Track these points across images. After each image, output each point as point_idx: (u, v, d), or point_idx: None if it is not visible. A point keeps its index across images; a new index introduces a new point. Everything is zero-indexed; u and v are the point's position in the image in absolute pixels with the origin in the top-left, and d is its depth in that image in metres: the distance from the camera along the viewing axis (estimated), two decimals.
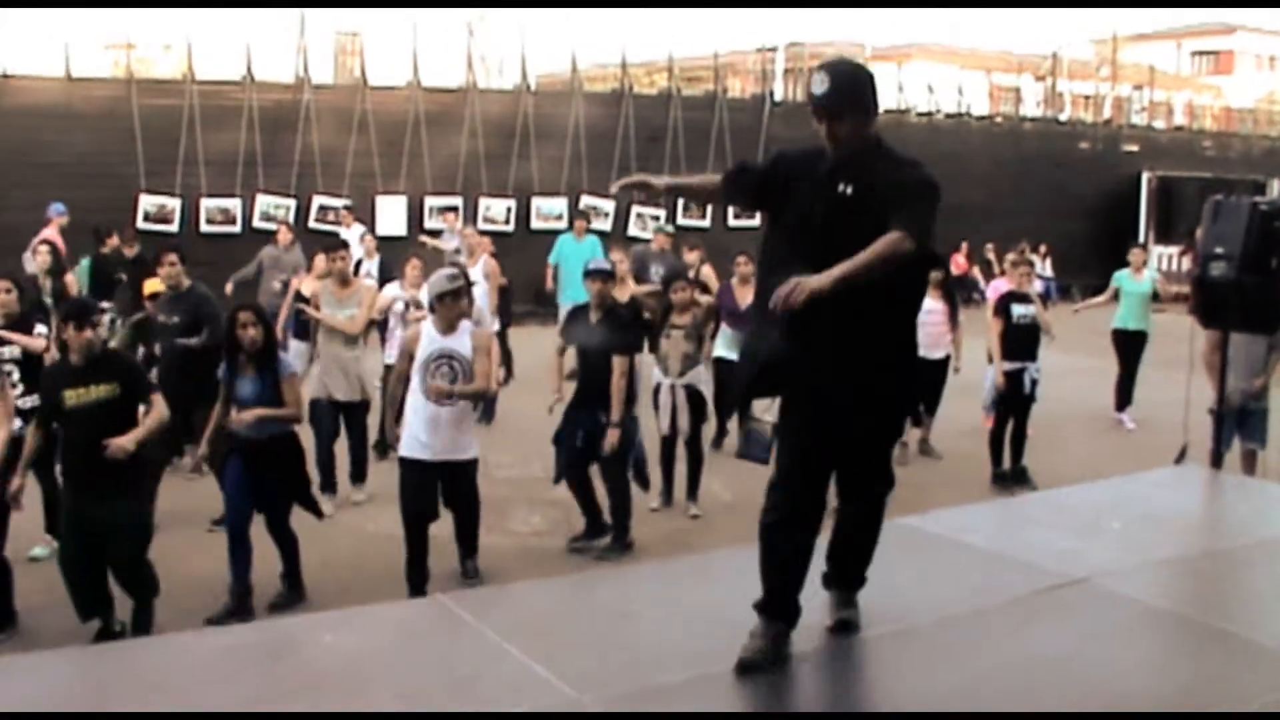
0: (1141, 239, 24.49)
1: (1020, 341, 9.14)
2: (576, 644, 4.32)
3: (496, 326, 9.63)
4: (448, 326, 6.68)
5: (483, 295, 9.39)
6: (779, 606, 4.07)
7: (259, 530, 6.64)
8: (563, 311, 14.05)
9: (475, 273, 9.64)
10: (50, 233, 14.39)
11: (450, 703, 3.83)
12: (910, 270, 3.83)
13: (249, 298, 10.75)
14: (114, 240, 13.96)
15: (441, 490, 6.71)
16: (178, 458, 8.13)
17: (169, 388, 6.66)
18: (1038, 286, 10.42)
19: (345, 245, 9.07)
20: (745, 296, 9.52)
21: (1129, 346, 11.88)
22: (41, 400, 6.04)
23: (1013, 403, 9.20)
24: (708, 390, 8.49)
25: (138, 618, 5.96)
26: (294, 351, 10.35)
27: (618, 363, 7.28)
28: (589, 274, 7.54)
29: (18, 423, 6.33)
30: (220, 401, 6.59)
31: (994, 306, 9.48)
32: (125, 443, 5.61)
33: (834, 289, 3.50)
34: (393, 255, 13.28)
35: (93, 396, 5.70)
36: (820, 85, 3.79)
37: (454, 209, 17.94)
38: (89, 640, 5.78)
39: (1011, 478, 9.18)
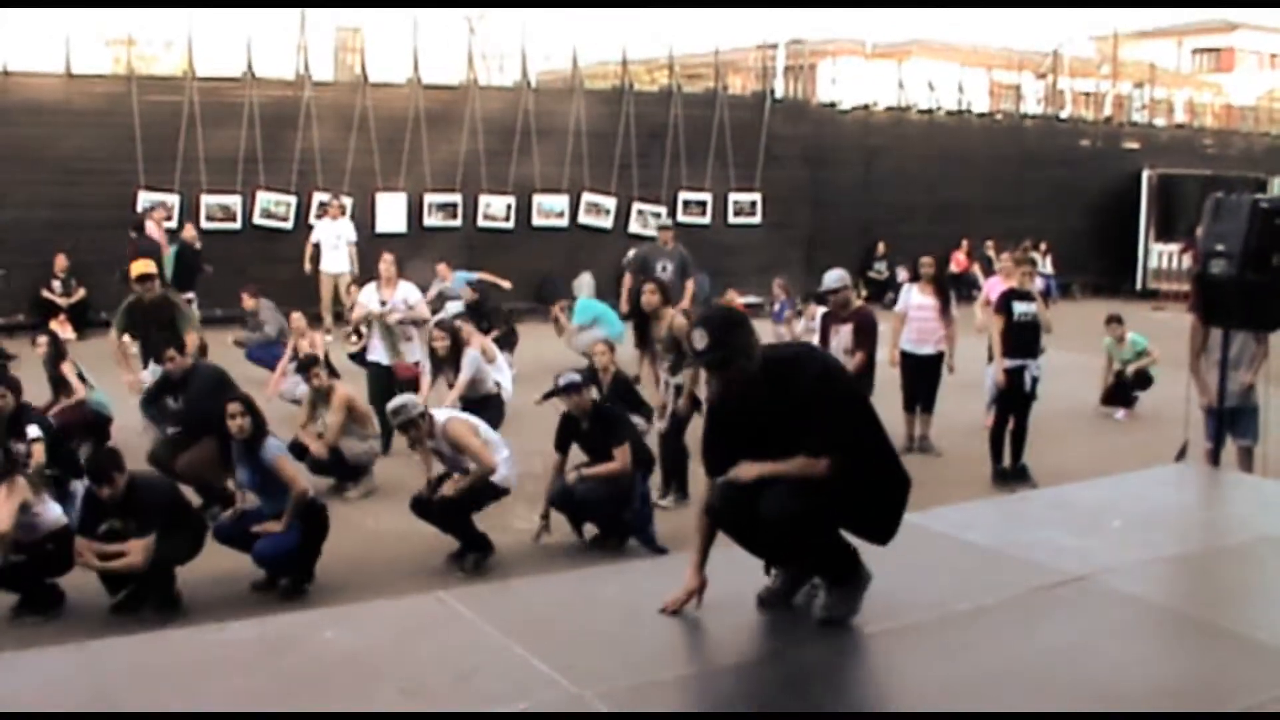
0: (1142, 237, 24.60)
1: (1021, 339, 9.14)
2: (578, 640, 4.32)
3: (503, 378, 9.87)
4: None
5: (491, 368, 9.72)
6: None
7: None
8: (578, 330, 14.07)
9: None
10: (149, 227, 14.83)
11: (452, 698, 3.84)
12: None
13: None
14: (190, 232, 15.29)
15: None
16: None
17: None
18: (1038, 284, 10.41)
19: (316, 361, 9.21)
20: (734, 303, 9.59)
21: (1124, 381, 12.22)
22: (84, 520, 6.52)
23: (1013, 400, 9.20)
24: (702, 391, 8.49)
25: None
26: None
27: (619, 454, 7.42)
28: (561, 391, 7.60)
29: (55, 510, 6.60)
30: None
31: (996, 304, 9.49)
32: (95, 565, 6.37)
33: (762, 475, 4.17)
34: (393, 253, 13.31)
35: (126, 528, 6.40)
36: (701, 341, 4.11)
37: (454, 206, 17.91)
38: (110, 608, 6.40)
39: (1012, 475, 9.18)
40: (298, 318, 11.35)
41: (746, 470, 4.20)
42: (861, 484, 4.21)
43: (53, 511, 6.50)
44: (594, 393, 7.92)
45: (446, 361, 9.26)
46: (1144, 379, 12.08)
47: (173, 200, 17.39)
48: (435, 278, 14.57)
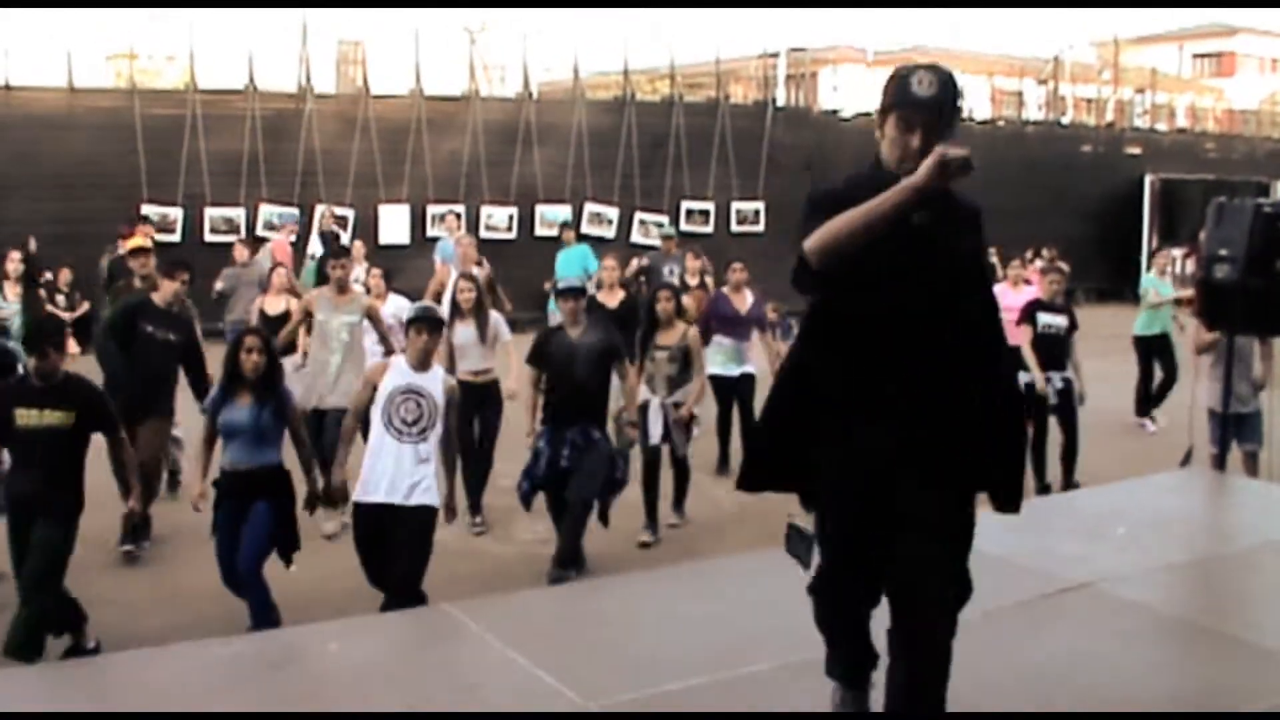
0: (1145, 242, 24.57)
1: (1044, 350, 8.95)
2: (581, 651, 4.32)
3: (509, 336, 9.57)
4: (420, 362, 6.17)
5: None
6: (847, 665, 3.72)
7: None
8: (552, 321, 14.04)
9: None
10: (280, 238, 15.58)
11: (456, 710, 3.83)
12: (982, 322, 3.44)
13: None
14: (360, 248, 15.16)
15: (393, 534, 6.00)
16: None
17: (136, 391, 7.18)
18: (1032, 291, 10.24)
19: (347, 253, 8.96)
20: (741, 303, 9.46)
21: (1160, 350, 11.76)
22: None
23: (1037, 411, 9.06)
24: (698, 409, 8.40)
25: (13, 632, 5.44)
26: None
27: (620, 369, 7.14)
28: (560, 294, 7.27)
29: None
30: (204, 433, 6.28)
31: (1020, 315, 9.26)
32: (137, 507, 5.99)
33: None
34: (396, 264, 13.33)
35: (44, 421, 5.57)
36: (930, 88, 3.26)
37: (456, 214, 17.90)
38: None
39: (1038, 489, 8.92)
40: (281, 272, 11.00)
41: None
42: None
43: None
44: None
45: (469, 314, 8.43)
46: (1166, 340, 11.72)
47: (175, 213, 17.45)
48: (445, 234, 15.58)
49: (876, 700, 3.98)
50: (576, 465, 7.01)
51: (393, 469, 5.95)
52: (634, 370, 7.23)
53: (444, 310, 8.06)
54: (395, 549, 5.94)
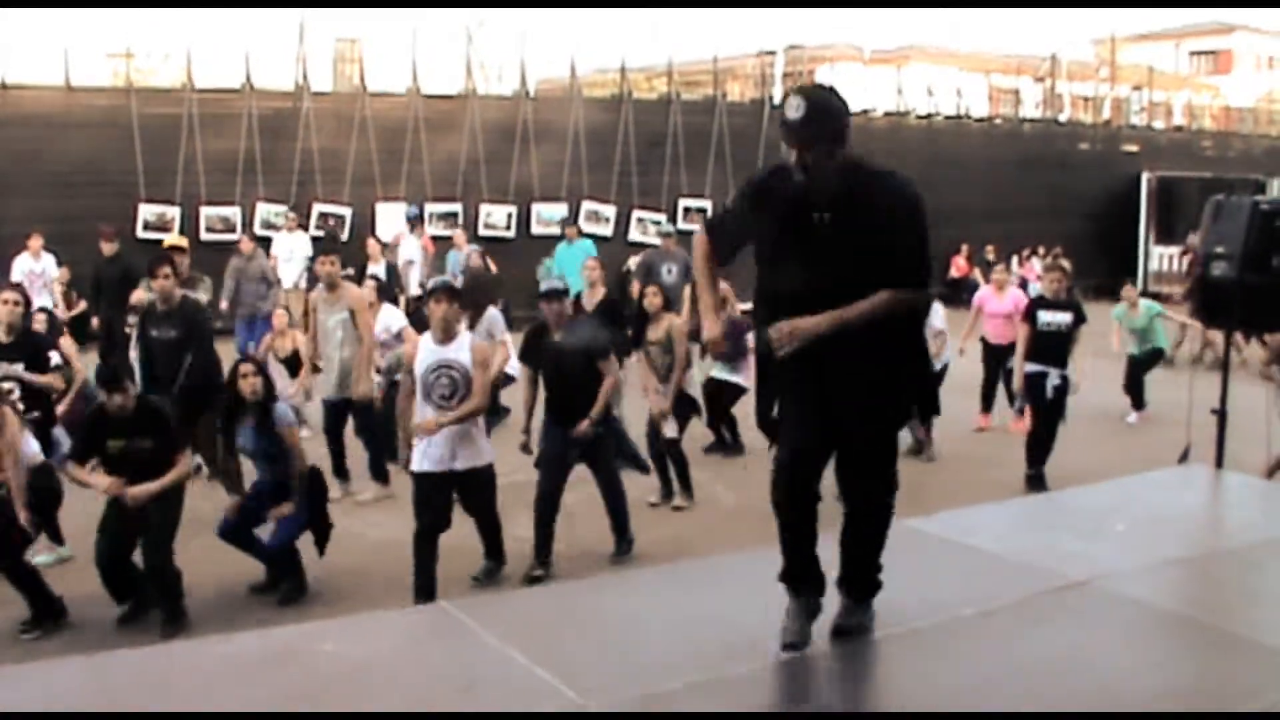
0: (1142, 240, 24.59)
1: (1044, 347, 8.99)
2: (581, 649, 4.31)
3: (508, 336, 9.73)
4: (444, 334, 6.57)
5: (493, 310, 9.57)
6: (799, 576, 4.15)
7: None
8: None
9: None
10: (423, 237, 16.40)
11: (454, 709, 3.82)
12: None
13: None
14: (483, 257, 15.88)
15: (460, 499, 6.76)
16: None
17: (171, 398, 7.50)
18: (1019, 292, 10.32)
19: (336, 250, 9.14)
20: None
21: (1136, 366, 12.08)
22: (83, 442, 6.37)
23: (1033, 405, 9.10)
24: (696, 391, 8.79)
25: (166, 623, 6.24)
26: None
27: (604, 367, 7.12)
28: (542, 296, 7.25)
29: (34, 445, 6.54)
30: (221, 448, 6.84)
31: (1023, 312, 9.38)
32: (140, 492, 6.12)
33: (827, 331, 3.79)
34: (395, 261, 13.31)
35: (132, 447, 6.19)
36: (797, 111, 3.71)
37: (455, 215, 17.89)
38: (118, 621, 6.30)
39: (1027, 483, 9.01)
40: (280, 314, 11.19)
41: (803, 323, 3.80)
42: (917, 336, 4.10)
43: (31, 445, 6.46)
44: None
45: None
46: (1148, 357, 12.00)
47: (173, 212, 17.42)
48: (453, 248, 15.81)
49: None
50: (588, 461, 7.27)
51: (440, 439, 6.47)
52: (613, 375, 7.22)
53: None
54: (468, 509, 6.81)
